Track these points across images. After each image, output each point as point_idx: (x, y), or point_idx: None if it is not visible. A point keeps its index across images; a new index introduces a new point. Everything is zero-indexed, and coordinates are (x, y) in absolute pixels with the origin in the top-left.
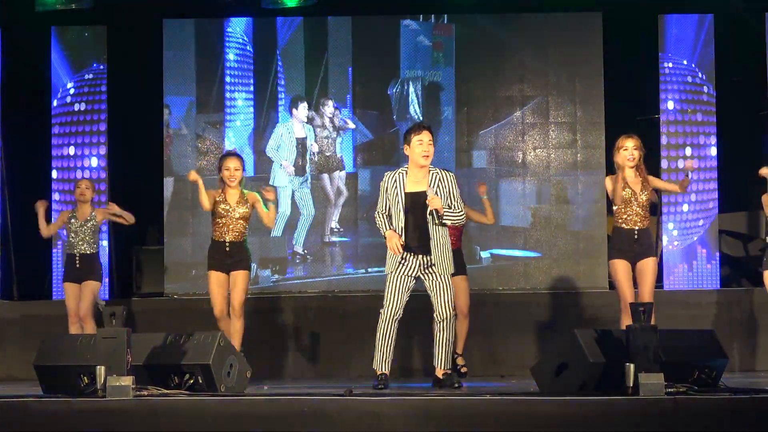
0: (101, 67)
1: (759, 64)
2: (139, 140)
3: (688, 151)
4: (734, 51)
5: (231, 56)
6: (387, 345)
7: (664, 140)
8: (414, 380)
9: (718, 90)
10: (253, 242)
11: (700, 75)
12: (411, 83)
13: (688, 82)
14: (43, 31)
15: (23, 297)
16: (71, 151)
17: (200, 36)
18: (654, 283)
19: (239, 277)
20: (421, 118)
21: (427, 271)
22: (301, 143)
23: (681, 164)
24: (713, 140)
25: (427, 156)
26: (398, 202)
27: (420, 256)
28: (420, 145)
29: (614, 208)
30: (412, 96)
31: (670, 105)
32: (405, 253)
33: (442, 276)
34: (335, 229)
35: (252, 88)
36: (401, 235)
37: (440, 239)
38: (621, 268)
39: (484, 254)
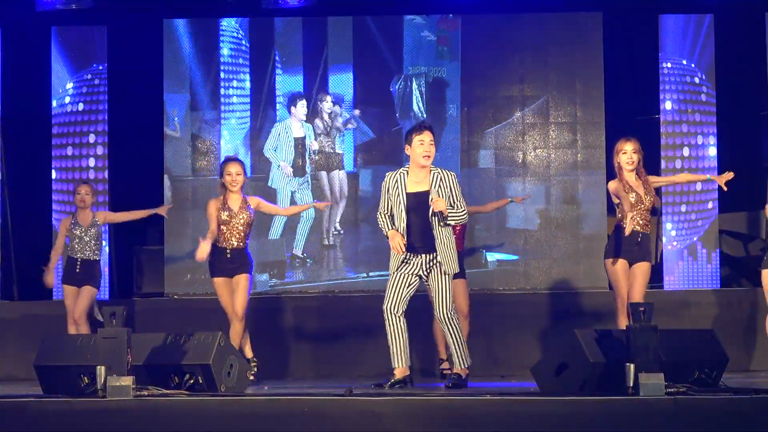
0: (101, 67)
1: (759, 64)
2: (139, 140)
3: (687, 151)
4: (734, 51)
5: (225, 51)
6: (395, 341)
7: (663, 140)
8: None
9: (718, 90)
10: (251, 245)
11: (699, 75)
12: (414, 79)
13: (687, 82)
14: (43, 31)
15: (23, 297)
16: (71, 151)
17: (199, 35)
18: (645, 288)
19: (241, 281)
20: (424, 116)
21: (429, 270)
22: (300, 143)
23: (679, 165)
24: (713, 140)
25: (428, 156)
26: (400, 202)
27: (423, 256)
28: (421, 145)
29: (619, 214)
30: (416, 93)
31: (670, 105)
32: (408, 254)
33: (445, 275)
34: (336, 232)
35: (248, 85)
36: (404, 236)
37: (446, 238)
38: (619, 267)
39: (490, 257)
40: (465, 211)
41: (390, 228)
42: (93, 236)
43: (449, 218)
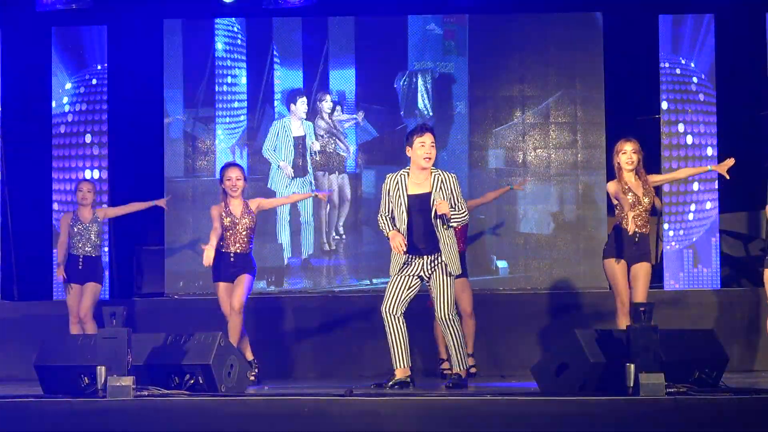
0: (101, 67)
1: (759, 64)
2: (139, 140)
3: (686, 151)
4: (734, 51)
5: (220, 46)
6: (395, 342)
7: (664, 140)
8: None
9: (718, 90)
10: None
11: (699, 75)
12: (420, 76)
13: (687, 82)
14: (43, 31)
15: (23, 297)
16: (71, 151)
17: (198, 34)
18: (647, 288)
19: (242, 279)
20: (430, 114)
21: (432, 271)
22: (300, 142)
23: (678, 165)
24: (713, 140)
25: (429, 158)
26: (401, 204)
27: (424, 257)
28: (422, 147)
29: (618, 215)
30: (421, 89)
31: (667, 105)
32: (410, 255)
33: (447, 276)
34: (337, 237)
35: (244, 81)
36: (404, 237)
37: (448, 239)
38: (618, 267)
39: (501, 264)
40: (466, 212)
41: (390, 228)
42: (94, 233)
43: (452, 220)
